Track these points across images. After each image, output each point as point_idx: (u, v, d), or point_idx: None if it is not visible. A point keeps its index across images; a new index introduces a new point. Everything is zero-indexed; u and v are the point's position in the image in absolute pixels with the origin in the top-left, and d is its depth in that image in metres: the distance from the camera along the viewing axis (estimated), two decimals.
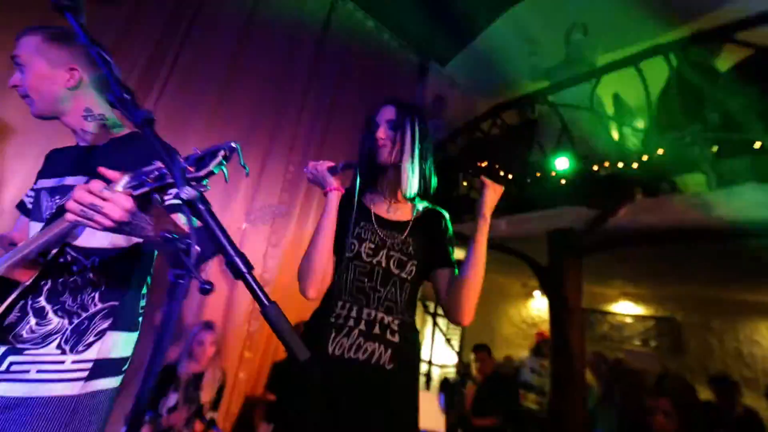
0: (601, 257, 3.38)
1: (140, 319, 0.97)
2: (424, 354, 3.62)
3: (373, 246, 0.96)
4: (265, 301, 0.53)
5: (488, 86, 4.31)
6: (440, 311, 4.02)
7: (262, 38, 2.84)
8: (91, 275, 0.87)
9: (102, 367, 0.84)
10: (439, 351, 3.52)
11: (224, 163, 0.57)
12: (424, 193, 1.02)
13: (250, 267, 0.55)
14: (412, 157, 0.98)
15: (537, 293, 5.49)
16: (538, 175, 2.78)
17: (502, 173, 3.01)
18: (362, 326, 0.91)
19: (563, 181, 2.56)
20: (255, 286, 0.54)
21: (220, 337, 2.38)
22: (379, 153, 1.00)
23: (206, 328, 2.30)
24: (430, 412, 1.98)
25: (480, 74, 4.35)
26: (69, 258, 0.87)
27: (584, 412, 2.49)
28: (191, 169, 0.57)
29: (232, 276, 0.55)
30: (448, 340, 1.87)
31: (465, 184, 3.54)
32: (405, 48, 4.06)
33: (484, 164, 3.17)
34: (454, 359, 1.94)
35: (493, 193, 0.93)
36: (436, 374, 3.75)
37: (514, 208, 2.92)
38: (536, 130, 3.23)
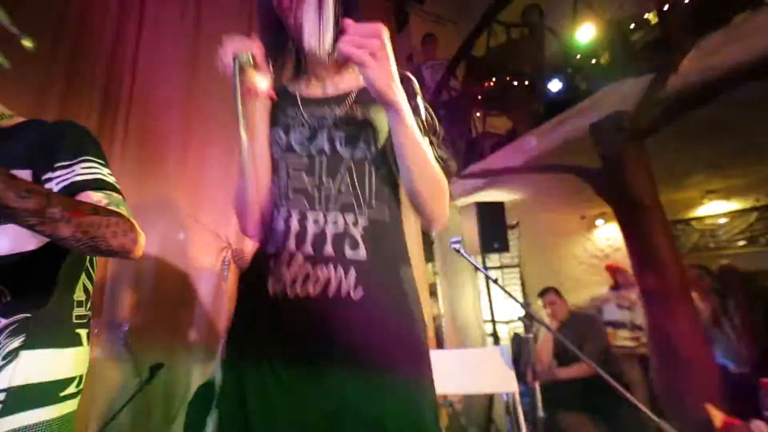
0: (672, 151, 2.70)
1: (80, 331, 0.76)
2: (485, 313, 3.20)
3: (307, 132, 0.66)
4: None
5: (478, 6, 3.71)
6: (490, 262, 3.54)
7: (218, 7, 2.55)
8: None
9: (22, 397, 0.66)
10: (500, 306, 3.07)
11: None
12: None
13: None
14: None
15: (600, 221, 4.74)
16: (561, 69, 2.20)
17: (515, 83, 2.48)
18: (308, 246, 0.60)
19: (594, 61, 1.97)
20: None
21: None
22: (285, 17, 0.67)
23: None
24: (499, 371, 1.59)
25: None
26: None
27: (700, 334, 1.91)
28: None
29: None
30: (507, 292, 1.48)
31: (478, 115, 3.02)
32: None
33: (492, 83, 2.65)
34: (520, 311, 1.57)
35: (374, 63, 0.50)
36: (504, 332, 3.29)
37: (543, 118, 2.38)
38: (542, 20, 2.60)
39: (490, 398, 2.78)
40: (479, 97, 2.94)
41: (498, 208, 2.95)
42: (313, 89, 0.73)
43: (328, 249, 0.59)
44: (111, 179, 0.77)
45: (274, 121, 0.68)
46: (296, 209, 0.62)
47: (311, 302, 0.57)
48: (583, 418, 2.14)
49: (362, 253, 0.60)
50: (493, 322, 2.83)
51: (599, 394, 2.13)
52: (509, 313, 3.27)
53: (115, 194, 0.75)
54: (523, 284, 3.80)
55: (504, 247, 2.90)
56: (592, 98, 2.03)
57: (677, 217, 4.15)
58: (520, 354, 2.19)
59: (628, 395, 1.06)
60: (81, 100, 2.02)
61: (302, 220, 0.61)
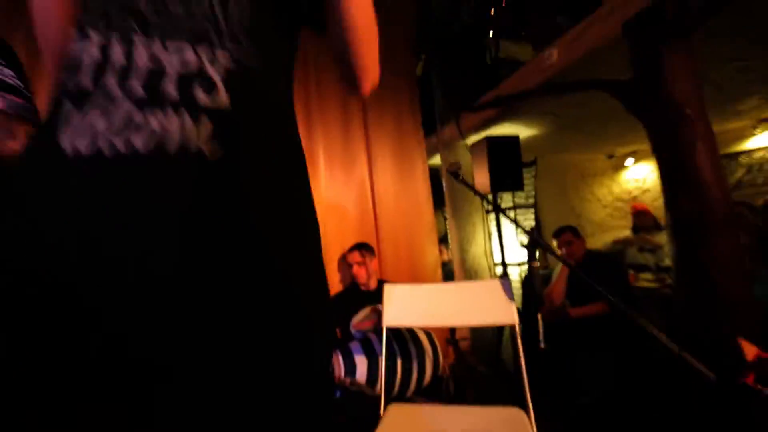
0: (722, 61, 2.22)
1: None
2: (496, 256, 3.01)
3: None
4: None
5: None
6: (503, 203, 3.27)
7: None
8: None
9: None
10: (512, 248, 2.86)
11: None
12: None
13: None
14: None
15: (630, 161, 4.26)
16: None
17: None
18: (135, 83, 0.37)
19: None
20: None
21: None
22: None
23: None
24: (499, 303, 1.42)
25: None
26: None
27: (741, 271, 1.63)
28: None
29: None
30: (510, 218, 1.27)
31: (492, 39, 2.59)
32: None
33: None
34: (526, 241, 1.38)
35: None
36: (515, 275, 3.11)
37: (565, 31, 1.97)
38: None
39: (498, 336, 2.69)
40: (493, 16, 2.49)
41: (512, 142, 2.61)
42: None
43: (169, 89, 0.37)
44: (11, 81, 0.61)
45: None
46: (118, 32, 0.38)
47: (139, 160, 0.35)
48: (596, 357, 1.99)
49: (223, 99, 0.39)
50: (504, 265, 2.64)
51: (613, 332, 1.96)
52: (520, 255, 3.06)
53: (14, 98, 0.59)
54: (539, 226, 3.53)
55: (517, 185, 2.60)
56: None
57: (723, 151, 3.62)
58: (531, 292, 2.02)
59: (649, 327, 0.87)
60: None
61: (128, 48, 0.38)
